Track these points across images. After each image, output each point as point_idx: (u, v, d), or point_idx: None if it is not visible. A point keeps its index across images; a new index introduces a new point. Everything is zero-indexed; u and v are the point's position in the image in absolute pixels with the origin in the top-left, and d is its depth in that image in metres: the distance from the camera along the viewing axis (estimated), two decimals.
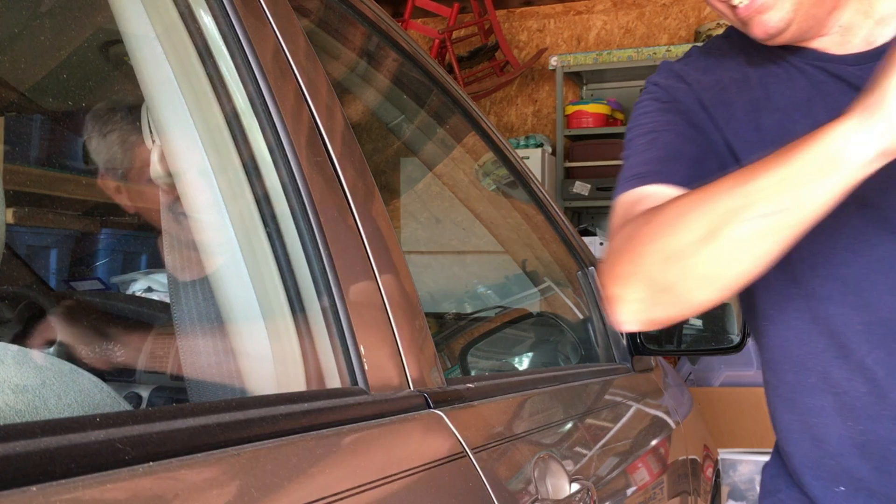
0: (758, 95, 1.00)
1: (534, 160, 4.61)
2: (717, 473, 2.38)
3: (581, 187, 4.64)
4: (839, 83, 0.95)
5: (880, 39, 0.95)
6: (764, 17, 0.92)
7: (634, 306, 0.87)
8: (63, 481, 0.44)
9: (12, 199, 1.61)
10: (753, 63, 1.02)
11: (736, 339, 1.84)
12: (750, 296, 1.06)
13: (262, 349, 0.80)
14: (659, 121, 1.03)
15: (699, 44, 1.09)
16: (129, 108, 1.44)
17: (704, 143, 1.01)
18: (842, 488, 1.00)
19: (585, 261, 1.83)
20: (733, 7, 0.93)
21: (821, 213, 0.77)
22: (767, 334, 1.04)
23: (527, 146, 4.79)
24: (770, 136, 0.96)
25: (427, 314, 0.96)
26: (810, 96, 0.97)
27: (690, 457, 1.96)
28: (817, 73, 0.97)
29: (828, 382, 0.98)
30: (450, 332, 1.86)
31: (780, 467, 1.12)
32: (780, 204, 0.77)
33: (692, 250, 0.82)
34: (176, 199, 0.93)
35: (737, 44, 1.03)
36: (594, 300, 1.81)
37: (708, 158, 0.99)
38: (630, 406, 1.70)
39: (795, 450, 1.04)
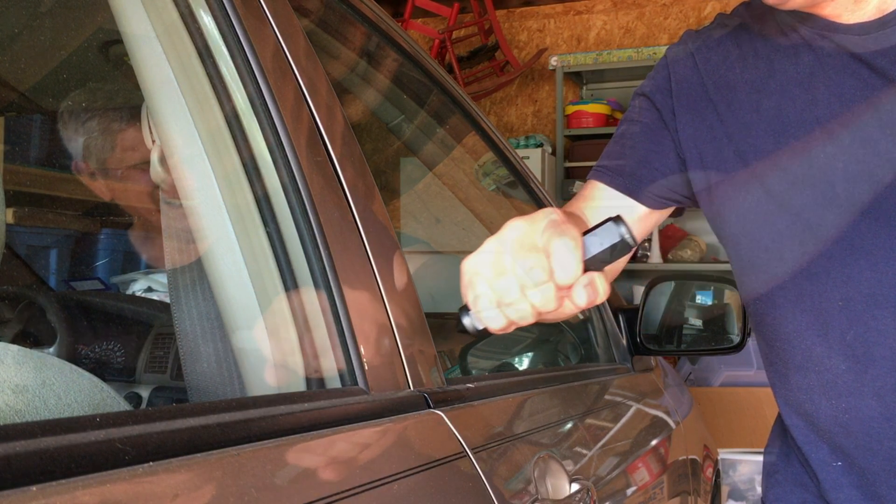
0: (761, 74, 0.99)
1: (534, 160, 4.62)
2: (717, 473, 2.38)
3: (581, 187, 4.64)
4: (843, 57, 0.93)
5: (894, 5, 0.91)
6: None
7: None
8: (63, 481, 0.44)
9: (12, 199, 1.60)
10: (765, 34, 1.00)
11: (736, 339, 1.84)
12: (741, 276, 1.06)
13: (262, 349, 0.80)
14: (641, 107, 1.08)
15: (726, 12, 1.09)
16: (109, 96, 1.44)
17: (665, 141, 1.05)
18: (839, 463, 1.01)
19: None
20: None
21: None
22: (758, 313, 1.05)
23: (527, 146, 4.79)
24: (767, 118, 0.97)
25: (427, 314, 0.96)
26: (813, 71, 0.95)
27: (690, 457, 1.96)
28: (824, 44, 0.94)
29: (811, 360, 0.98)
30: (450, 331, 1.86)
31: (778, 447, 1.12)
32: None
33: None
34: (175, 198, 0.93)
35: (756, 12, 1.02)
36: None
37: (659, 158, 1.05)
38: (630, 406, 1.70)
39: (794, 425, 1.05)
